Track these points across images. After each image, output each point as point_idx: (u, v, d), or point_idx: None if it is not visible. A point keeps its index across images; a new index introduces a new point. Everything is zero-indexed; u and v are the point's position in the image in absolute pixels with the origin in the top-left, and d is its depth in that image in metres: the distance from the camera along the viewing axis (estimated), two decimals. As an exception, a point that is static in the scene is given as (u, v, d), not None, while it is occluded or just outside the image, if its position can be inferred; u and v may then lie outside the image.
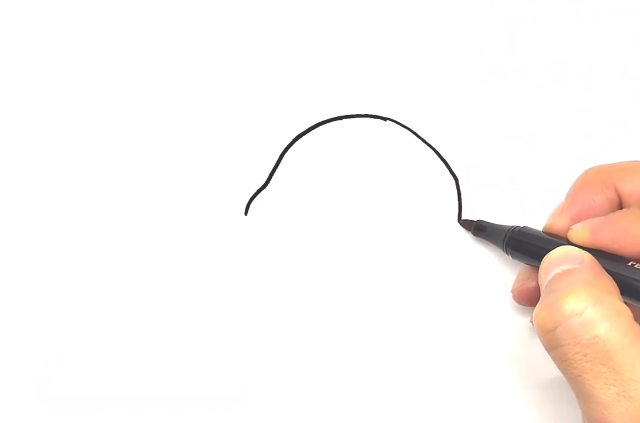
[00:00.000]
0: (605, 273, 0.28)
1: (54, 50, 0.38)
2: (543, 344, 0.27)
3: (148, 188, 0.38)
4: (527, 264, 0.34)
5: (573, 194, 0.32)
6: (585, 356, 0.25)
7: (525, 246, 0.33)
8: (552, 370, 0.29)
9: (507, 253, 0.34)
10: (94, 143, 0.38)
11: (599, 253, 0.29)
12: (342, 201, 0.38)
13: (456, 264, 0.37)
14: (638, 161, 0.31)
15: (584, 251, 0.29)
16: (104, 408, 0.37)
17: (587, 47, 0.41)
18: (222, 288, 0.37)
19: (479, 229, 0.37)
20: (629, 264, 0.28)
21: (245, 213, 0.38)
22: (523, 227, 0.34)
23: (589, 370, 0.25)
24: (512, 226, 0.34)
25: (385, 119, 0.39)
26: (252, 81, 0.38)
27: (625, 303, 0.27)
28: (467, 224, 0.37)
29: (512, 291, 0.35)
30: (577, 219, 0.31)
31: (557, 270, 0.28)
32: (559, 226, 0.31)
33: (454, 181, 0.39)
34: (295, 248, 0.38)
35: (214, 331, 0.37)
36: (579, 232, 0.30)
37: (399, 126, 0.39)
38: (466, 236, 0.38)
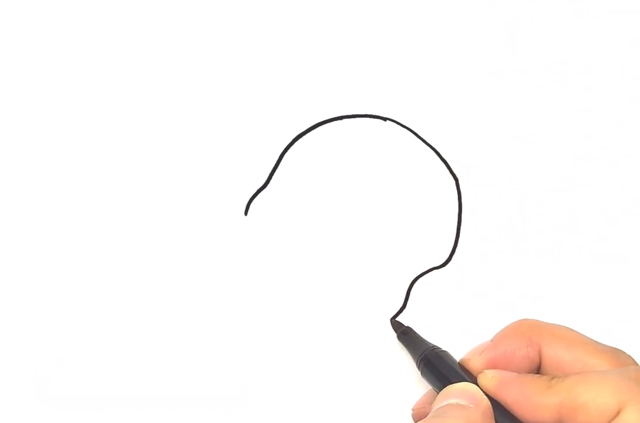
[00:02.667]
0: None
1: (54, 51, 0.38)
2: None
3: (148, 188, 0.38)
4: (432, 388, 0.34)
5: (498, 340, 0.32)
6: None
7: (436, 370, 0.33)
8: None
9: (418, 369, 0.34)
10: (94, 143, 0.38)
11: (499, 406, 0.29)
12: (342, 201, 0.38)
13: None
14: (570, 329, 0.31)
15: (486, 398, 0.29)
16: (104, 408, 0.37)
17: (587, 47, 0.41)
18: (222, 287, 0.37)
19: (404, 334, 0.36)
20: None
21: (245, 213, 0.38)
22: (442, 351, 0.34)
23: None
24: (433, 346, 0.34)
25: (385, 119, 0.39)
26: (252, 81, 0.38)
27: None
28: (396, 326, 0.37)
29: (412, 410, 0.35)
30: (491, 364, 0.31)
31: (452, 400, 0.29)
32: (473, 364, 0.32)
33: (454, 181, 0.39)
34: (295, 247, 0.38)
35: (214, 331, 0.37)
36: (488, 379, 0.30)
37: (399, 126, 0.39)
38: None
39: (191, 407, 0.37)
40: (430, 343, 0.35)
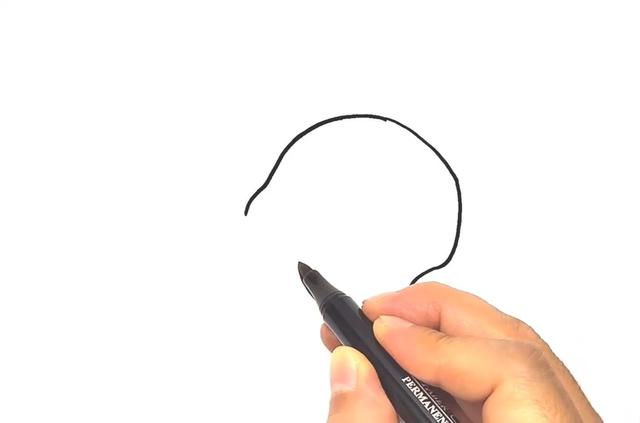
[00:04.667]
0: (379, 396, 0.29)
1: (54, 51, 0.38)
2: None
3: (148, 188, 0.38)
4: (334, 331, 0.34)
5: (405, 293, 0.32)
6: None
7: (337, 316, 0.33)
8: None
9: (321, 314, 0.34)
10: (94, 143, 0.38)
11: (385, 356, 0.30)
12: (342, 201, 0.38)
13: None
14: (478, 298, 0.31)
15: (360, 364, 0.29)
16: (104, 408, 0.37)
17: (587, 47, 0.41)
18: (222, 287, 0.37)
19: (309, 279, 0.36)
20: (404, 380, 0.29)
21: (245, 213, 0.38)
22: (346, 297, 0.34)
23: None
24: (335, 293, 0.34)
25: (385, 119, 0.39)
26: (252, 81, 0.38)
27: None
28: (303, 269, 0.37)
29: (321, 331, 0.36)
30: (389, 312, 0.31)
31: (336, 388, 0.29)
32: (372, 308, 0.32)
33: (454, 181, 0.39)
34: (295, 247, 0.38)
35: (214, 331, 0.37)
36: (380, 328, 0.30)
37: (399, 126, 0.39)
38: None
39: (191, 407, 0.37)
40: (335, 289, 0.34)
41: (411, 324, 0.30)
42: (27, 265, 0.37)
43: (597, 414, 0.29)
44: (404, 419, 0.29)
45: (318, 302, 0.34)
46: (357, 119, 0.39)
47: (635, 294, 0.38)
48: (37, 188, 0.37)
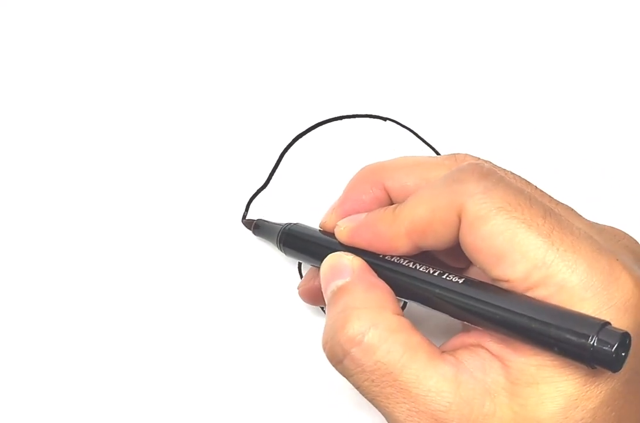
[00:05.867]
0: (377, 279, 0.28)
1: (54, 51, 0.38)
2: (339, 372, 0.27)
3: (147, 188, 0.38)
4: (306, 262, 0.34)
5: (345, 193, 0.32)
6: (372, 381, 0.25)
7: (296, 243, 0.33)
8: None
9: (281, 251, 0.34)
10: (93, 143, 0.38)
11: (362, 254, 0.29)
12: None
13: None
14: (408, 156, 0.31)
15: (353, 258, 0.29)
16: (104, 408, 0.37)
17: (587, 47, 0.41)
18: (222, 288, 0.37)
19: (257, 228, 0.36)
20: (391, 259, 0.28)
21: (245, 213, 0.38)
22: (295, 224, 0.33)
23: (379, 393, 0.25)
24: (286, 224, 0.34)
25: (385, 119, 0.39)
26: (252, 82, 0.38)
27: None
28: (248, 224, 0.37)
29: (297, 288, 0.35)
30: (345, 217, 0.31)
31: (332, 286, 0.28)
32: (330, 224, 0.31)
33: (454, 181, 0.38)
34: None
35: (213, 332, 0.37)
36: (341, 232, 0.30)
37: (399, 126, 0.39)
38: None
39: (192, 407, 0.37)
40: (283, 223, 0.34)
41: (364, 214, 0.30)
42: (21, 268, 0.37)
43: (563, 204, 0.28)
44: (405, 298, 0.28)
45: (273, 241, 0.34)
46: (357, 119, 0.39)
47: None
48: (35, 192, 0.37)
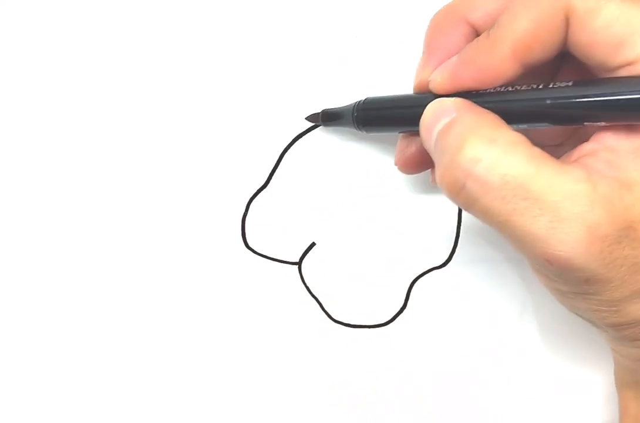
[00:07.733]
0: (484, 109, 0.26)
1: (54, 51, 0.38)
2: (460, 206, 0.26)
3: (147, 188, 0.38)
4: (391, 132, 0.32)
5: (427, 43, 0.30)
6: (503, 199, 0.24)
7: (380, 115, 0.31)
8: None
9: (361, 130, 0.32)
10: (93, 143, 0.38)
11: (468, 94, 0.27)
12: (342, 201, 0.38)
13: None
14: None
15: (453, 99, 0.27)
16: (104, 408, 0.37)
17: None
18: (222, 288, 0.37)
19: (327, 118, 0.34)
20: (494, 90, 0.27)
21: (245, 213, 0.38)
22: (366, 98, 0.32)
23: (513, 210, 0.24)
24: (357, 101, 0.32)
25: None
26: (252, 81, 0.38)
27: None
28: (314, 118, 0.35)
29: (395, 164, 0.34)
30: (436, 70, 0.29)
31: (438, 126, 0.26)
32: (426, 82, 0.29)
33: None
34: (294, 247, 0.38)
35: (213, 332, 0.37)
36: (438, 83, 0.28)
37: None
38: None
39: (193, 407, 0.37)
40: (351, 103, 0.32)
41: (456, 55, 0.28)
42: (21, 269, 0.37)
43: None
44: (518, 122, 0.27)
45: (351, 125, 0.32)
46: (357, 118, 0.39)
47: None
48: (35, 191, 0.37)
